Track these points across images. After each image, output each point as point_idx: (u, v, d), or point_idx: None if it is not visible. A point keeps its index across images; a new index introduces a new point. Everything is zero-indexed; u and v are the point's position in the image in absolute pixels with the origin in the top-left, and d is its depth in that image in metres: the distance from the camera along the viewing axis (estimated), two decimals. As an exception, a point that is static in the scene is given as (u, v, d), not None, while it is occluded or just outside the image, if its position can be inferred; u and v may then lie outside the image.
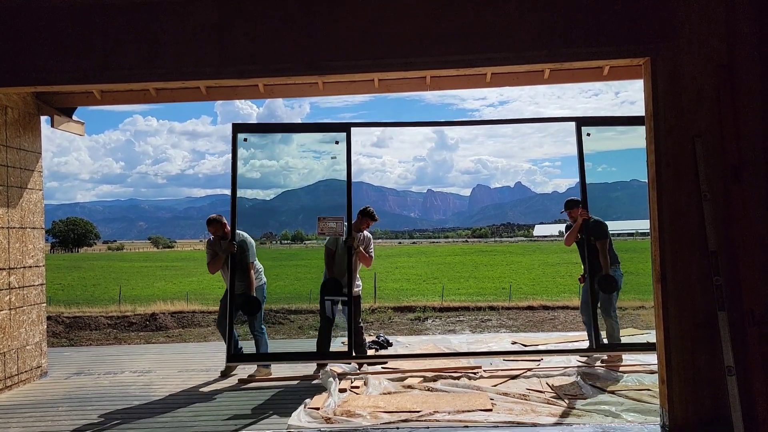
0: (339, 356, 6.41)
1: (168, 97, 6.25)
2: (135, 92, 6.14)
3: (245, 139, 6.35)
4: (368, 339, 8.04)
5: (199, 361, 7.25)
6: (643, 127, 4.63)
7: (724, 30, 4.32)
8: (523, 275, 33.78)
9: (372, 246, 6.57)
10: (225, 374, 6.40)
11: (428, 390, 5.58)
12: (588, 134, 6.33)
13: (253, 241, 6.47)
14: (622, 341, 7.49)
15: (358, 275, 6.54)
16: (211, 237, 6.48)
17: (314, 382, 6.03)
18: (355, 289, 6.45)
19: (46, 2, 4.85)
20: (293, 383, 6.08)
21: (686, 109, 4.35)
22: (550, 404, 5.04)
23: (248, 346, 6.64)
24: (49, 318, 10.72)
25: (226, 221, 6.43)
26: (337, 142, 6.40)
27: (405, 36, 4.68)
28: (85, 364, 7.22)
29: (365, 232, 6.54)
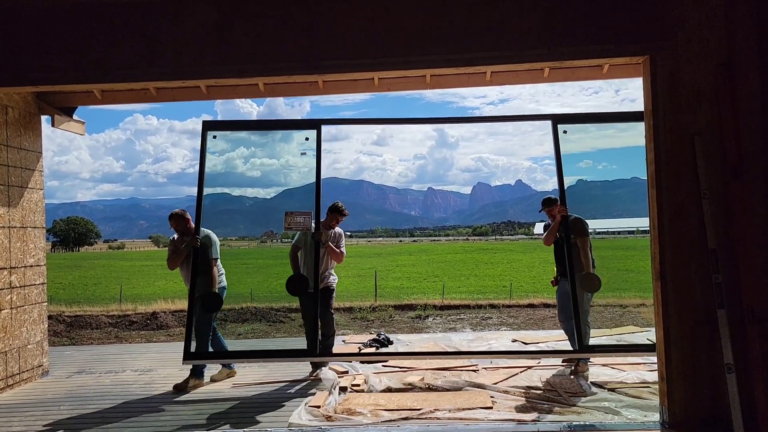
0: (300, 354, 6.17)
1: (168, 96, 6.25)
2: (135, 91, 6.14)
3: (214, 137, 6.27)
4: (369, 337, 8.06)
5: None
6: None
7: (723, 28, 4.32)
8: (524, 273, 33.76)
9: (343, 242, 6.45)
10: (183, 387, 5.93)
11: (429, 388, 5.59)
12: (564, 131, 6.12)
13: (217, 239, 6.26)
14: (618, 341, 7.51)
15: (333, 270, 6.43)
16: (175, 235, 6.25)
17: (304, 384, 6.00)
18: (328, 283, 6.31)
19: (46, 2, 4.86)
20: (286, 383, 6.09)
21: (685, 108, 4.35)
22: (551, 402, 5.05)
23: (232, 345, 6.59)
24: (50, 317, 10.73)
25: (189, 216, 6.21)
26: (307, 139, 6.30)
27: (404, 35, 4.68)
28: (87, 363, 7.25)
29: (336, 228, 6.43)
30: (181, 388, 5.87)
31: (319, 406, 5.04)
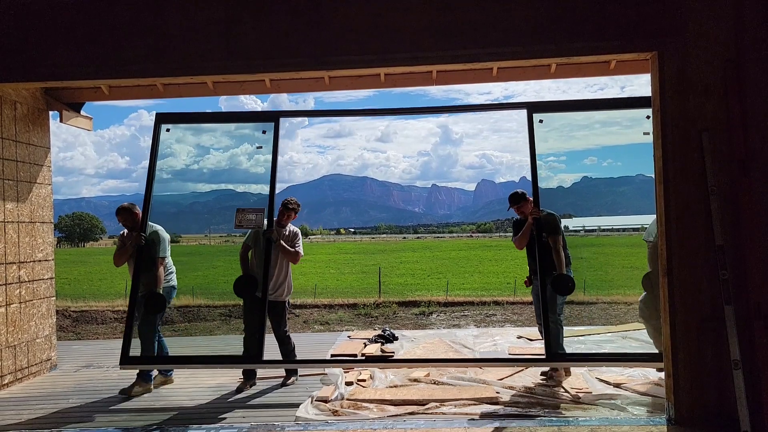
0: (244, 361, 5.65)
1: (175, 93, 6.27)
2: (143, 87, 6.17)
3: (168, 130, 6.12)
4: (374, 333, 8.09)
5: (205, 355, 7.27)
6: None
7: (731, 24, 4.32)
8: (528, 270, 33.71)
9: (299, 241, 5.96)
10: (128, 392, 5.59)
11: (434, 383, 5.61)
12: (540, 121, 5.66)
13: (167, 236, 5.90)
14: (624, 337, 7.51)
15: (290, 278, 5.99)
16: (125, 230, 5.90)
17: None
18: (282, 295, 5.88)
19: (55, -2, 4.88)
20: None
21: (693, 104, 4.35)
22: (556, 398, 5.06)
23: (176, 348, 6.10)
24: (56, 312, 10.80)
25: (138, 210, 5.84)
26: (264, 132, 6.01)
27: (411, 30, 4.69)
28: (94, 358, 7.29)
29: (290, 226, 5.99)
30: (126, 393, 5.59)
31: (325, 401, 5.06)
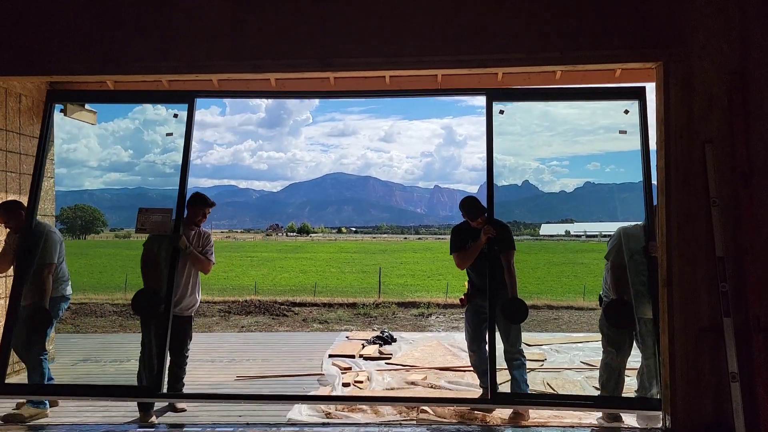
0: (141, 393, 4.78)
1: (181, 89, 6.28)
2: (148, 83, 6.15)
3: (62, 110, 5.74)
4: (373, 334, 8.09)
5: (204, 351, 7.30)
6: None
7: (737, 36, 4.31)
8: (528, 274, 33.62)
9: (211, 247, 5.11)
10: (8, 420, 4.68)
11: (431, 387, 5.61)
12: (501, 111, 4.99)
13: (59, 237, 5.07)
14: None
15: (198, 289, 5.15)
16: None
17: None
18: (187, 309, 5.04)
19: (62, -8, 4.89)
20: (288, 378, 6.11)
21: (697, 115, 4.34)
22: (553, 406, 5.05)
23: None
24: (56, 304, 10.80)
25: (23, 210, 5.04)
26: (176, 115, 5.30)
27: (417, 35, 4.69)
28: (92, 351, 7.31)
29: (202, 228, 5.15)
30: (7, 420, 4.70)
31: (321, 402, 5.07)
